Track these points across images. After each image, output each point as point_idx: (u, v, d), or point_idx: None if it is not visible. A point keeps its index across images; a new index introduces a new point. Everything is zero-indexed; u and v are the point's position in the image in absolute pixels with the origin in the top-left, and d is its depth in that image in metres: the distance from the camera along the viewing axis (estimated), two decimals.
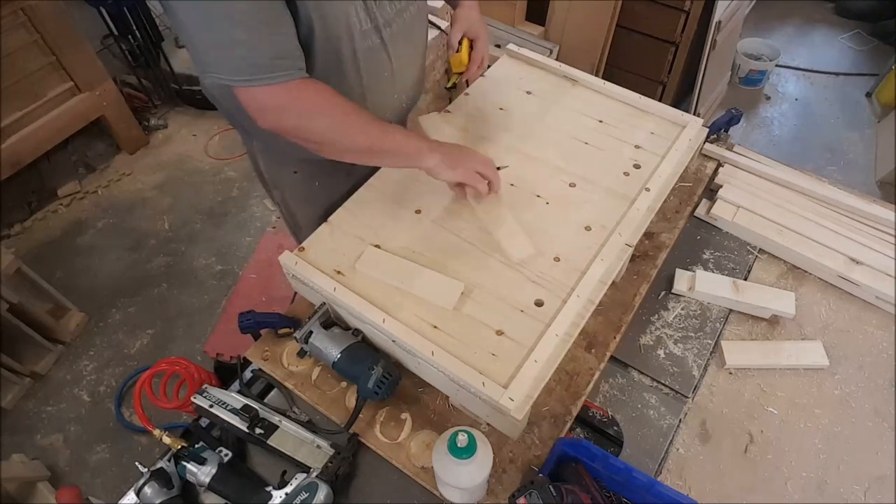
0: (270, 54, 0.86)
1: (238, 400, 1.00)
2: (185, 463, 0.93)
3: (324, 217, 1.13)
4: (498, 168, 1.10)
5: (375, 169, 1.20)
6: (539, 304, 0.99)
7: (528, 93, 1.36)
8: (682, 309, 1.21)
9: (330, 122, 0.94)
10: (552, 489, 0.83)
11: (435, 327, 0.96)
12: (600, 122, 1.30)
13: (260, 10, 0.83)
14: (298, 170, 1.26)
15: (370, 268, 1.03)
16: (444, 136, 1.24)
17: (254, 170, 1.34)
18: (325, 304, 1.04)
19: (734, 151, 1.43)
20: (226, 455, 0.97)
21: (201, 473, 0.92)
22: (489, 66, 1.43)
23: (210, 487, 0.92)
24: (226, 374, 1.16)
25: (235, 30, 0.82)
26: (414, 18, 1.10)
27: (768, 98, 3.25)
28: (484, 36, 1.27)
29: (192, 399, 1.00)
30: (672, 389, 1.10)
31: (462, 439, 0.81)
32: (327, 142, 0.96)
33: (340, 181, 1.24)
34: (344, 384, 1.06)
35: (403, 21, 1.07)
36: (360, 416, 0.99)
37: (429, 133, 1.24)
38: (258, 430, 0.96)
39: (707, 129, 1.32)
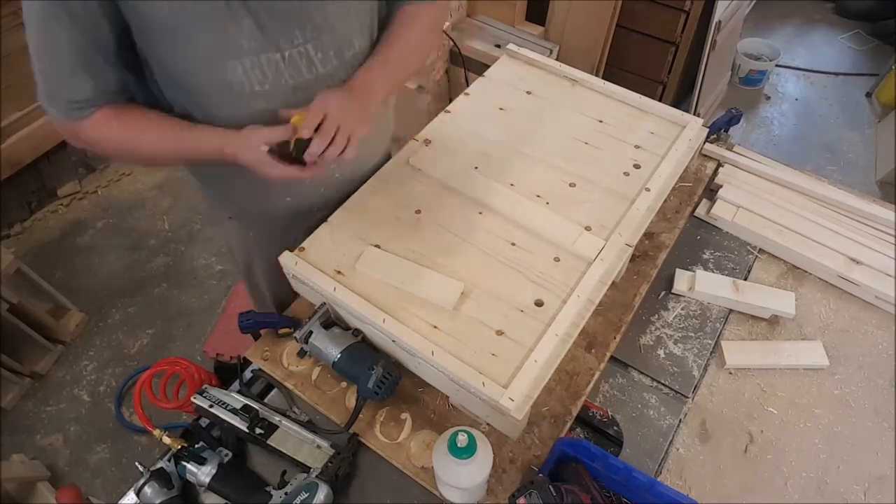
0: (66, 96, 0.86)
1: (238, 400, 1.00)
2: (185, 463, 0.93)
3: (264, 273, 1.12)
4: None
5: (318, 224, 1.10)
6: (539, 304, 0.99)
7: (528, 93, 1.36)
8: (682, 309, 1.21)
9: (115, 151, 0.95)
10: (552, 489, 0.83)
11: (435, 327, 0.96)
12: (600, 122, 1.29)
13: (70, 53, 0.83)
14: (234, 215, 1.20)
15: (370, 268, 1.03)
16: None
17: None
18: (325, 304, 1.04)
19: (734, 151, 1.43)
20: (226, 455, 0.97)
21: (201, 473, 0.92)
22: (489, 67, 1.43)
23: (210, 487, 0.92)
24: (226, 374, 1.16)
25: (43, 62, 0.87)
26: (340, 67, 0.94)
27: (768, 98, 3.25)
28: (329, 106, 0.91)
29: (192, 399, 1.00)
30: (672, 389, 1.10)
31: (462, 439, 0.81)
32: (131, 159, 0.99)
33: (275, 237, 1.13)
34: (344, 384, 1.06)
35: (328, 88, 0.90)
36: (360, 416, 0.99)
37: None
38: (258, 430, 0.96)
39: (707, 129, 1.32)
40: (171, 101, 0.93)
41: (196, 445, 0.96)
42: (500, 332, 0.96)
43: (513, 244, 1.08)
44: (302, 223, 1.13)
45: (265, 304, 1.36)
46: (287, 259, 1.05)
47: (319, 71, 0.91)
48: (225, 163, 0.91)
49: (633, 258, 1.19)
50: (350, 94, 0.91)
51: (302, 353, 1.08)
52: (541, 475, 0.89)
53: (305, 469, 0.94)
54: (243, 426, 0.96)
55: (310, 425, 1.00)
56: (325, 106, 0.87)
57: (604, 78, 1.38)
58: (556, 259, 1.05)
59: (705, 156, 1.43)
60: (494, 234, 1.10)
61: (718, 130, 1.43)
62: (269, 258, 1.07)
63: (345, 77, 0.94)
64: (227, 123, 0.90)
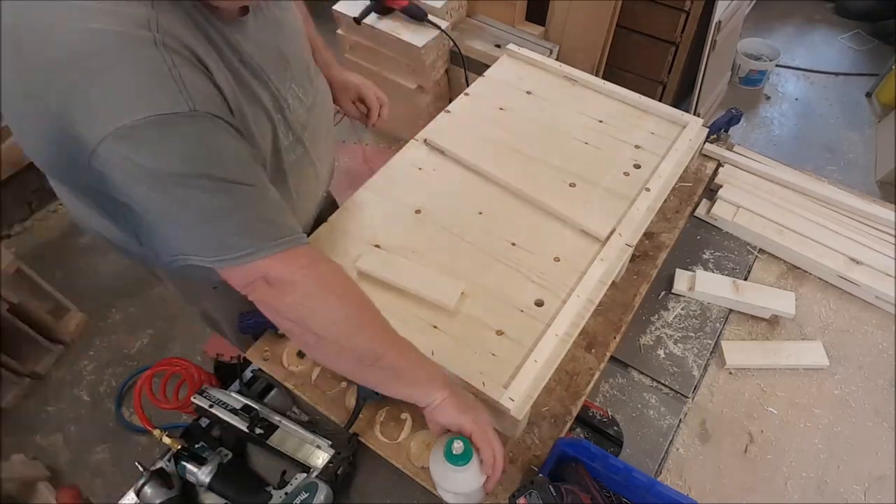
0: (268, 217, 0.72)
1: (238, 400, 1.00)
2: (185, 463, 0.93)
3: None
4: None
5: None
6: (539, 304, 0.99)
7: (528, 93, 1.36)
8: (682, 309, 1.21)
9: (340, 311, 0.77)
10: (552, 489, 0.83)
11: (435, 327, 0.96)
12: (600, 121, 1.30)
13: (246, 166, 0.71)
14: (218, 284, 0.90)
15: (370, 268, 1.03)
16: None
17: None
18: None
19: (734, 151, 1.43)
20: (226, 455, 0.96)
21: (201, 473, 0.92)
22: (489, 67, 1.43)
23: (210, 487, 0.92)
24: (226, 374, 1.15)
25: (221, 196, 0.68)
26: (323, 106, 1.03)
27: (768, 98, 3.25)
28: (365, 83, 1.25)
29: (192, 399, 1.00)
30: (672, 389, 1.10)
31: (458, 447, 0.80)
32: (329, 335, 0.76)
33: None
34: (344, 384, 1.06)
35: (314, 115, 0.98)
36: (360, 416, 0.99)
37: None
38: (258, 430, 0.96)
39: (707, 129, 1.32)
40: None
41: (196, 445, 0.96)
42: (500, 332, 0.96)
43: (513, 244, 1.08)
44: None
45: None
46: None
47: (306, 104, 0.95)
48: (406, 396, 0.82)
49: (633, 258, 1.19)
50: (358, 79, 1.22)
51: (302, 353, 1.08)
52: (541, 475, 0.89)
53: (305, 469, 0.94)
54: (243, 426, 0.96)
55: (310, 425, 1.00)
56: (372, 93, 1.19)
57: (604, 78, 1.38)
58: (556, 259, 1.06)
59: (705, 156, 1.43)
60: (494, 234, 1.10)
61: (718, 130, 1.43)
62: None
63: (318, 98, 0.99)
64: (280, 182, 0.91)
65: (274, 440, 0.96)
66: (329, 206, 1.18)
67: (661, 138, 1.26)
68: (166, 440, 0.96)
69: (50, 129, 0.66)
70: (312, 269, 0.75)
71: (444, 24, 2.26)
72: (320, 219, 1.12)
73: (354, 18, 2.31)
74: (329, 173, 1.13)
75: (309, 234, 1.07)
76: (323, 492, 0.89)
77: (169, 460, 0.94)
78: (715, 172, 1.39)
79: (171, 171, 0.64)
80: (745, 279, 1.24)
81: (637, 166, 1.21)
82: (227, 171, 0.67)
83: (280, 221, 0.73)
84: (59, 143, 0.66)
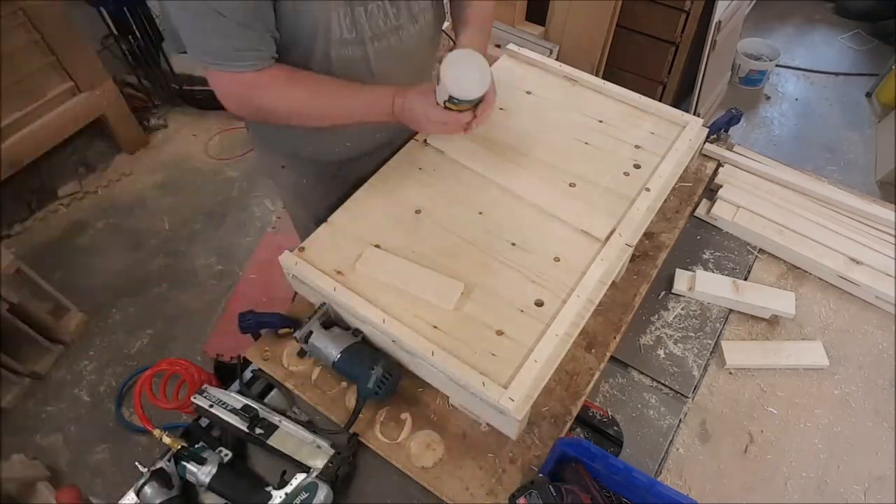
0: (235, 46, 0.92)
1: (238, 400, 1.00)
2: (185, 463, 0.93)
3: (316, 218, 1.13)
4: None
5: (369, 169, 1.20)
6: (539, 304, 0.99)
7: (528, 93, 1.36)
8: (682, 309, 1.21)
9: (288, 113, 1.02)
10: (552, 489, 0.83)
11: (435, 327, 0.96)
12: (600, 121, 1.29)
13: (233, 6, 0.88)
14: (287, 164, 1.27)
15: (370, 268, 1.03)
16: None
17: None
18: (325, 304, 1.04)
19: (734, 151, 1.43)
20: (226, 455, 0.97)
21: (201, 473, 0.92)
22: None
23: (210, 487, 0.92)
24: (226, 374, 1.16)
25: (209, 19, 0.88)
26: (414, 39, 1.08)
27: (768, 98, 3.25)
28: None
29: (192, 399, 1.00)
30: (672, 389, 1.10)
31: None
32: (294, 120, 1.05)
33: (327, 182, 1.25)
34: (344, 384, 1.06)
35: (398, 38, 1.05)
36: (360, 416, 0.99)
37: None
38: (258, 430, 0.96)
39: (707, 129, 1.32)
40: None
41: (196, 445, 0.96)
42: (500, 332, 0.96)
43: (513, 244, 1.08)
44: (352, 168, 1.24)
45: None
46: (287, 259, 1.05)
47: (391, 23, 1.03)
48: (386, 116, 1.03)
49: (633, 258, 1.19)
50: None
51: (302, 353, 1.08)
52: (541, 475, 0.89)
53: (305, 469, 0.94)
54: (243, 426, 0.96)
55: (310, 425, 1.00)
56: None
57: (604, 78, 1.38)
58: (556, 259, 1.05)
59: (705, 156, 1.43)
60: (494, 234, 1.10)
61: (718, 130, 1.43)
62: (320, 202, 1.20)
63: (411, 29, 1.06)
64: (318, 69, 1.02)
65: (274, 440, 0.96)
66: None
67: (661, 138, 1.26)
68: (166, 440, 0.96)
69: None
70: (256, 87, 0.96)
71: (444, 25, 2.26)
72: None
73: None
74: None
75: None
76: (323, 492, 0.89)
77: (169, 460, 0.94)
78: (715, 172, 1.39)
79: None
80: (745, 279, 1.24)
81: (637, 166, 1.21)
82: (220, 6, 0.87)
83: (246, 52, 0.93)
84: None
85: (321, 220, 1.11)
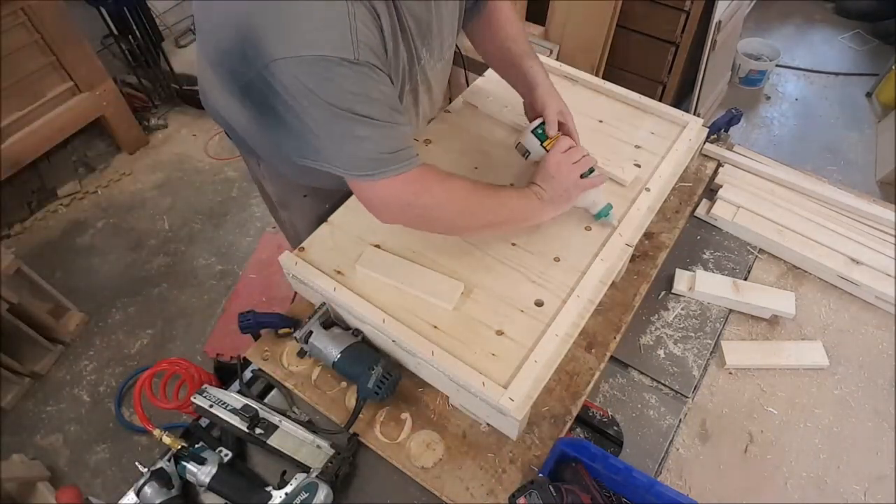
0: (392, 148, 0.86)
1: (238, 400, 1.00)
2: (185, 463, 0.93)
3: None
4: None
5: None
6: (539, 304, 0.99)
7: None
8: (682, 309, 1.21)
9: (452, 212, 0.96)
10: (552, 489, 0.83)
11: (435, 327, 0.96)
12: (600, 121, 1.29)
13: (384, 107, 0.84)
14: (308, 193, 1.24)
15: (370, 268, 1.03)
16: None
17: (258, 190, 1.32)
18: (325, 304, 1.04)
19: (734, 151, 1.43)
20: (226, 455, 0.97)
21: (201, 473, 0.92)
22: (489, 67, 1.42)
23: (210, 487, 0.92)
24: (226, 374, 1.16)
25: (360, 127, 0.82)
26: (439, 75, 1.08)
27: (768, 98, 3.25)
28: (549, 104, 1.12)
29: (191, 399, 1.00)
30: (672, 389, 1.10)
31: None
32: (454, 229, 1.03)
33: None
34: (344, 384, 1.06)
35: (428, 79, 1.04)
36: (360, 416, 0.99)
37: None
38: (258, 430, 0.96)
39: (707, 129, 1.32)
40: None
41: (196, 445, 0.96)
42: (500, 332, 0.96)
43: (513, 244, 1.08)
44: None
45: None
46: (287, 259, 1.05)
47: (435, 64, 1.03)
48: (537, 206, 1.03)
49: (633, 258, 1.19)
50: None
51: (302, 353, 1.08)
52: (541, 475, 0.89)
53: (305, 469, 0.94)
54: (243, 426, 0.96)
55: (310, 425, 1.00)
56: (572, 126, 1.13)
57: (604, 78, 1.38)
58: (556, 259, 1.06)
59: (705, 156, 1.43)
60: (494, 234, 1.09)
61: (718, 130, 1.43)
62: None
63: (438, 67, 1.05)
64: None
65: (274, 440, 0.96)
66: None
67: (661, 138, 1.26)
68: (166, 440, 0.96)
69: (237, 32, 0.81)
70: (420, 189, 0.91)
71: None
72: None
73: None
74: (428, 120, 1.21)
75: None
76: (323, 492, 0.89)
77: (169, 460, 0.94)
78: (715, 172, 1.39)
79: (327, 99, 0.79)
80: (745, 279, 1.24)
81: (637, 166, 1.21)
82: (369, 111, 0.82)
83: (402, 152, 0.88)
84: (241, 45, 0.82)
85: None
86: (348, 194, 1.21)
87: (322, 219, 1.22)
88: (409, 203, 0.92)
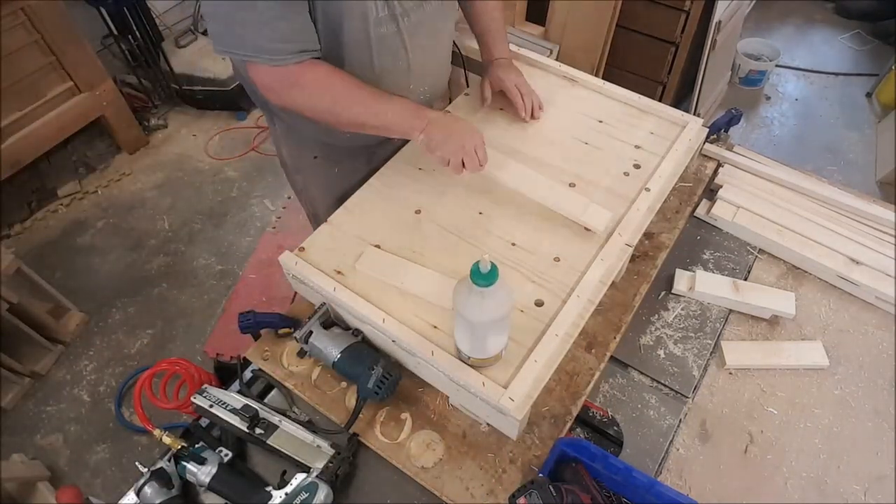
0: (275, 38, 0.93)
1: (238, 400, 1.00)
2: (185, 463, 0.93)
3: (338, 202, 1.16)
4: None
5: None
6: (539, 304, 0.99)
7: None
8: (682, 309, 1.21)
9: (330, 101, 1.02)
10: (552, 489, 0.83)
11: (435, 327, 0.96)
12: (600, 122, 1.30)
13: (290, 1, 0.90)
14: (319, 155, 1.28)
15: (370, 268, 1.03)
16: None
17: (277, 156, 1.37)
18: (325, 304, 1.04)
19: (734, 151, 1.43)
20: (226, 455, 0.97)
21: (201, 473, 0.92)
22: None
23: (210, 487, 0.92)
24: (226, 374, 1.16)
25: (247, 12, 0.90)
26: (436, 11, 1.11)
27: (768, 98, 3.25)
28: (507, 79, 1.28)
29: (192, 399, 1.00)
30: (672, 389, 1.10)
31: (483, 266, 0.76)
32: (331, 118, 1.05)
33: (360, 168, 1.26)
34: (344, 384, 1.06)
35: (423, 13, 1.08)
36: (360, 416, 0.99)
37: None
38: (258, 430, 0.96)
39: (707, 130, 1.32)
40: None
41: (196, 445, 0.96)
42: None
43: (513, 244, 1.08)
44: (385, 150, 1.28)
45: None
46: (287, 259, 1.05)
47: (393, 12, 1.04)
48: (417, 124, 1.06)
49: (633, 258, 1.19)
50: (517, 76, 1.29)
51: (302, 353, 1.08)
52: (541, 475, 0.89)
53: (305, 469, 0.94)
54: (243, 426, 0.96)
55: (310, 425, 1.00)
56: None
57: (604, 78, 1.38)
58: (556, 259, 1.06)
59: (705, 156, 1.43)
60: (494, 235, 1.10)
61: (718, 130, 1.43)
62: (349, 191, 1.19)
63: (435, 3, 1.09)
64: (353, 50, 1.05)
65: (274, 440, 0.96)
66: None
67: (661, 138, 1.26)
68: (166, 440, 0.96)
69: None
70: (300, 78, 0.99)
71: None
72: None
73: None
74: (432, 79, 1.23)
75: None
76: (323, 492, 0.89)
77: (169, 460, 0.94)
78: (715, 172, 1.39)
79: None
80: (745, 279, 1.24)
81: (637, 166, 1.21)
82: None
83: (284, 45, 0.94)
84: None
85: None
86: (356, 156, 1.28)
87: (332, 182, 1.31)
88: (285, 94, 1.01)
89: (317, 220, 1.45)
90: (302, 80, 0.99)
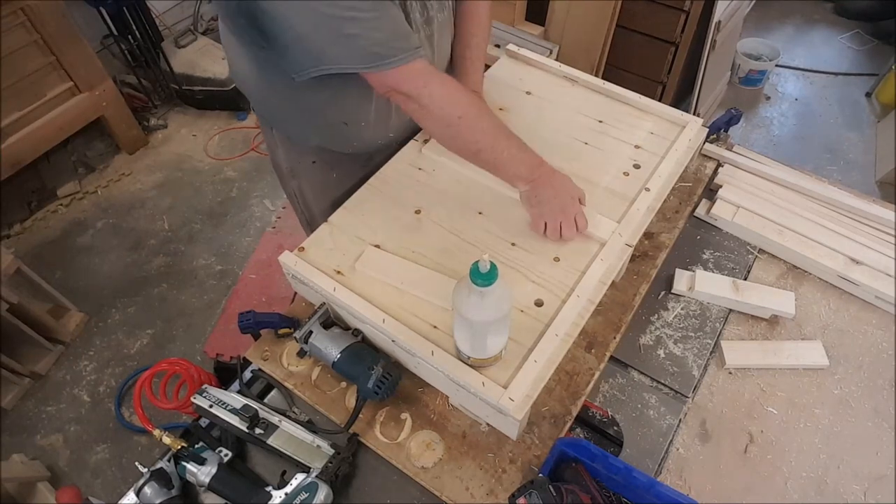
0: (384, 40, 0.89)
1: (238, 400, 1.00)
2: (185, 463, 0.93)
3: (334, 206, 1.15)
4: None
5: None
6: (539, 304, 0.99)
7: (528, 93, 1.36)
8: (682, 309, 1.21)
9: (446, 117, 0.98)
10: (552, 489, 0.83)
11: (435, 327, 0.96)
12: (600, 122, 1.30)
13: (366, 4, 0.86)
14: (317, 159, 1.27)
15: (370, 268, 1.03)
16: None
17: (271, 162, 1.35)
18: (325, 304, 1.04)
19: (734, 151, 1.43)
20: (226, 455, 0.97)
21: (201, 473, 0.92)
22: (489, 67, 1.43)
23: (210, 487, 0.92)
24: (226, 374, 1.16)
25: (347, 24, 0.85)
26: (443, 27, 1.12)
27: (768, 98, 3.25)
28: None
29: (191, 399, 1.00)
30: (672, 389, 1.10)
31: (483, 265, 0.75)
32: (448, 132, 1.00)
33: (357, 172, 1.25)
34: (344, 384, 1.06)
35: (444, 16, 1.09)
36: (360, 416, 0.99)
37: None
38: (258, 430, 0.96)
39: (707, 130, 1.32)
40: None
41: (196, 445, 0.96)
42: None
43: (513, 244, 1.08)
44: (383, 155, 1.25)
45: None
46: (287, 259, 1.05)
47: (427, 14, 1.05)
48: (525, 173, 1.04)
49: (633, 258, 1.19)
50: None
51: (302, 353, 1.08)
52: (541, 475, 0.89)
53: (305, 469, 0.94)
54: (243, 426, 0.96)
55: (310, 425, 1.00)
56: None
57: (604, 78, 1.38)
58: (556, 259, 1.06)
59: (705, 156, 1.43)
60: (494, 235, 1.10)
61: (718, 130, 1.43)
62: (345, 196, 1.17)
63: (440, 18, 1.08)
64: None
65: (274, 440, 0.96)
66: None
67: (661, 138, 1.26)
68: (166, 440, 0.96)
69: None
70: (429, 80, 0.95)
71: None
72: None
73: None
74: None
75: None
76: (323, 492, 0.89)
77: (169, 460, 0.94)
78: (715, 172, 1.39)
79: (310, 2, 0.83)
80: (745, 279, 1.24)
81: (637, 166, 1.21)
82: (352, 5, 0.84)
83: (398, 44, 0.90)
84: None
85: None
86: (354, 160, 1.26)
87: (329, 187, 1.28)
88: (409, 95, 0.95)
89: (312, 224, 1.43)
90: (433, 80, 0.95)
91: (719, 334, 1.17)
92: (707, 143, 1.42)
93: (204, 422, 1.02)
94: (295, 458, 0.95)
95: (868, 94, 3.22)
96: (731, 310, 1.20)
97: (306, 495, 0.88)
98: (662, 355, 1.14)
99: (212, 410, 0.98)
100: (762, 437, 1.04)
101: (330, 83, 0.98)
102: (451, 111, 0.97)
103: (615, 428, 1.04)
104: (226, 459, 0.96)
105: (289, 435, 0.97)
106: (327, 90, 1.06)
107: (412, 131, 1.28)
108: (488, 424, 1.00)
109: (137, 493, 0.91)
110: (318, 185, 1.31)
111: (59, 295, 2.24)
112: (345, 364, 0.98)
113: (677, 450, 1.03)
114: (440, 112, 0.97)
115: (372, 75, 0.93)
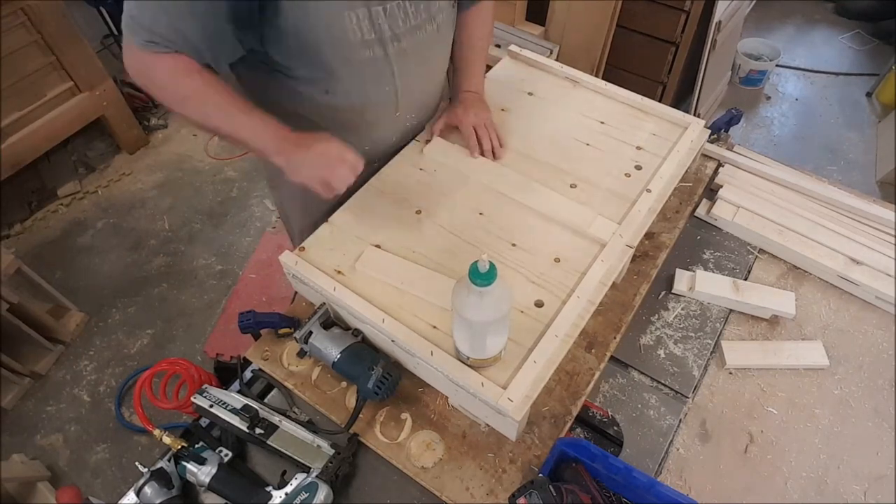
0: (145, 24, 0.87)
1: (238, 400, 1.00)
2: (185, 463, 0.93)
3: (315, 226, 1.11)
4: None
5: (373, 175, 1.19)
6: (539, 304, 0.99)
7: (530, 94, 1.36)
8: (682, 309, 1.21)
9: (184, 95, 0.95)
10: (552, 489, 0.83)
11: (434, 327, 0.96)
12: (602, 123, 1.29)
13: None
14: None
15: (370, 268, 1.03)
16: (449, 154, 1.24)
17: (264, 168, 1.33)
18: (325, 304, 1.04)
19: (734, 151, 1.43)
20: (226, 455, 0.97)
21: (201, 473, 0.92)
22: (490, 67, 1.43)
23: (210, 487, 0.92)
24: (226, 374, 1.16)
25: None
26: (432, 39, 1.06)
27: (768, 98, 3.25)
28: (481, 122, 1.22)
29: (192, 399, 1.00)
30: (672, 389, 1.10)
31: (483, 265, 0.75)
32: (183, 115, 0.97)
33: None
34: (344, 384, 1.06)
35: (417, 39, 1.03)
36: (360, 416, 0.99)
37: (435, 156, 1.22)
38: (258, 430, 0.96)
39: (709, 131, 1.32)
40: (280, 62, 0.98)
41: (196, 445, 0.96)
42: None
43: (513, 244, 1.08)
44: (367, 168, 1.18)
45: None
46: (287, 259, 1.05)
47: (411, 23, 1.00)
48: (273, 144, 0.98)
49: (633, 258, 1.19)
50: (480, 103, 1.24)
51: (302, 353, 1.08)
52: (541, 475, 0.89)
53: (305, 469, 0.94)
54: (243, 426, 0.96)
55: (310, 425, 1.00)
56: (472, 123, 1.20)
57: (604, 78, 1.38)
58: (557, 260, 1.06)
59: (705, 156, 1.43)
60: (494, 235, 1.10)
61: (718, 130, 1.43)
62: (329, 211, 1.14)
63: (429, 28, 1.04)
64: (335, 74, 1.00)
65: (274, 440, 0.96)
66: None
67: (663, 139, 1.26)
68: (166, 440, 0.96)
69: None
70: (177, 75, 0.92)
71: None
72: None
73: None
74: (419, 108, 1.21)
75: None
76: (323, 492, 0.89)
77: (169, 460, 0.94)
78: (715, 172, 1.39)
79: None
80: (745, 279, 1.24)
81: (638, 167, 1.21)
82: None
83: (155, 33, 0.87)
84: None
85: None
86: None
87: (306, 205, 1.24)
88: (137, 72, 0.93)
89: (292, 235, 1.40)
90: (153, 69, 0.92)
91: (719, 334, 1.17)
92: (707, 143, 1.42)
93: (204, 422, 1.02)
94: (295, 458, 0.95)
95: (868, 94, 3.22)
96: (731, 310, 1.20)
97: (306, 495, 0.88)
98: (663, 355, 1.14)
99: (212, 410, 0.98)
100: (762, 437, 1.04)
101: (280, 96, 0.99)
102: (176, 91, 0.94)
103: (615, 428, 1.04)
104: (226, 459, 0.96)
105: (289, 435, 0.97)
106: (278, 108, 1.02)
107: (392, 146, 1.24)
108: (488, 425, 1.00)
109: (137, 493, 0.91)
110: (296, 201, 1.28)
111: (60, 295, 2.24)
112: (345, 364, 0.98)
113: (677, 450, 1.03)
114: (163, 94, 0.95)
115: (125, 45, 0.92)
